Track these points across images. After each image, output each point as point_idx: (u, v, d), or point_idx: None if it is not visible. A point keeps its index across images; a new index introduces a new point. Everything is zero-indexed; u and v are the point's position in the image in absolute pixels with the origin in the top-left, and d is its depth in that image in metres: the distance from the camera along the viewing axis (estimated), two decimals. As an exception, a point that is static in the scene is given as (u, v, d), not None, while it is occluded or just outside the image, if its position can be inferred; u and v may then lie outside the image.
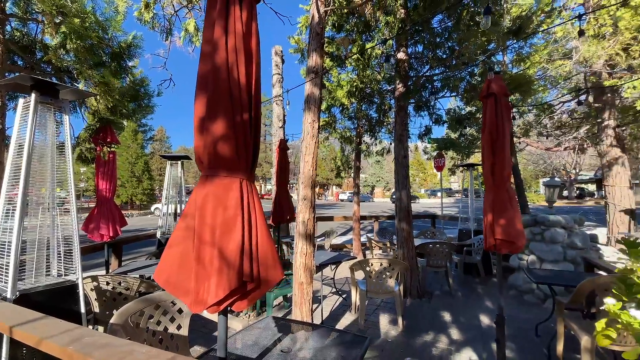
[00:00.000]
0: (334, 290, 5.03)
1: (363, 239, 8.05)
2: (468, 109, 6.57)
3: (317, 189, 55.61)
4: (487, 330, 3.69)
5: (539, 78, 7.67)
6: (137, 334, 2.15)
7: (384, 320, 4.02)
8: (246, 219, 1.18)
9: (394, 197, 4.96)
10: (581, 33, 3.01)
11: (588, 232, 7.69)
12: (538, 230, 4.72)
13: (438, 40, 4.94)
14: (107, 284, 3.01)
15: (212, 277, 1.18)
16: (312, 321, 3.11)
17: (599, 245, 5.94)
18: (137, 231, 13.12)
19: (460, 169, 8.31)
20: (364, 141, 7.61)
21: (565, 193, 34.68)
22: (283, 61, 6.37)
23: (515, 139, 9.04)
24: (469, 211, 6.79)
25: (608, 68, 6.98)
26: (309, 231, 2.97)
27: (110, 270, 4.49)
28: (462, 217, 7.26)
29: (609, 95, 7.33)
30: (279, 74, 6.25)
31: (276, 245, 5.32)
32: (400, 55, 4.95)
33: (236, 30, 1.27)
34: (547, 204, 5.18)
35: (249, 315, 4.08)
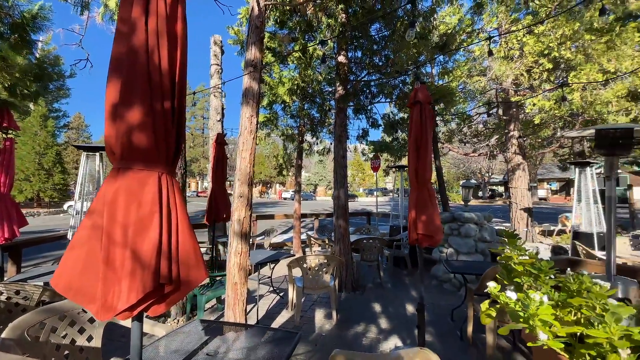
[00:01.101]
0: (272, 289, 4.99)
1: (303, 236, 8.13)
2: (401, 114, 7.09)
3: (260, 187, 54.42)
4: (411, 317, 4.02)
5: (460, 91, 8.64)
6: (37, 349, 1.88)
7: (319, 315, 4.12)
8: (165, 216, 1.10)
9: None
10: (490, 53, 3.50)
11: (496, 228, 8.84)
12: (455, 226, 5.31)
13: (375, 47, 5.22)
14: (0, 293, 2.55)
15: (124, 280, 1.07)
16: (246, 322, 3.04)
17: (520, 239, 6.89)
18: (45, 232, 11.30)
19: (393, 170, 8.92)
20: (306, 140, 7.68)
21: (480, 193, 39.62)
22: (222, 52, 6.07)
23: (440, 144, 10.03)
24: (399, 209, 7.33)
25: (514, 86, 8.16)
26: (244, 230, 2.90)
27: (5, 278, 3.80)
28: (393, 215, 7.80)
29: (514, 109, 8.58)
30: (218, 64, 5.94)
31: (211, 246, 5.07)
32: (341, 58, 5.11)
33: (158, 12, 1.17)
34: (463, 203, 5.85)
35: (178, 320, 3.82)
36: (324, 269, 3.89)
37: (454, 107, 8.13)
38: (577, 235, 6.65)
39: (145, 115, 1.08)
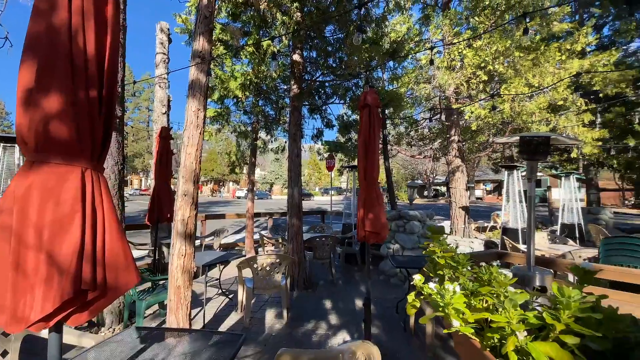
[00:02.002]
0: (220, 291, 4.82)
1: (256, 236, 7.98)
2: (355, 116, 7.31)
3: (212, 186, 52.07)
4: (360, 312, 4.16)
5: (408, 96, 9.17)
6: None
7: (270, 315, 4.08)
8: (89, 215, 1.00)
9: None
10: (431, 62, 3.79)
11: (438, 224, 9.44)
12: (401, 223, 5.62)
13: (330, 49, 5.31)
14: None
15: (37, 287, 0.96)
16: (191, 327, 2.90)
17: (444, 235, 7.47)
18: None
19: (347, 169, 9.17)
20: (260, 137, 7.53)
21: (425, 193, 42.43)
22: (170, 40, 5.68)
23: (389, 146, 10.54)
24: (351, 207, 7.55)
25: (455, 94, 8.87)
26: (189, 230, 2.75)
27: None
28: (346, 213, 8.02)
29: (455, 116, 9.32)
30: (164, 53, 5.54)
31: (153, 247, 4.74)
32: (296, 57, 5.10)
33: (84, -10, 1.06)
34: (415, 201, 6.21)
35: (114, 329, 3.51)
36: (276, 269, 3.86)
37: (403, 112, 8.60)
38: (505, 230, 7.45)
39: (65, 102, 0.97)
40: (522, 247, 6.19)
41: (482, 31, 7.70)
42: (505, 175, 7.83)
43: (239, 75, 4.74)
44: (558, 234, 8.76)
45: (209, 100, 5.88)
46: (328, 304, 4.49)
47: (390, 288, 5.18)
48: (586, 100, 8.97)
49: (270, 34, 4.98)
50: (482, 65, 7.42)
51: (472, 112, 8.11)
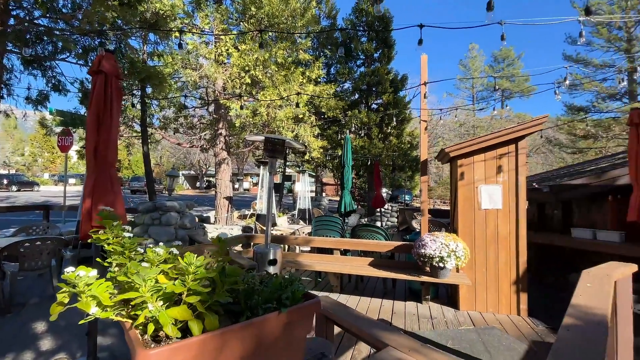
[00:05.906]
0: None
1: None
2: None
3: None
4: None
5: (176, 79, 8.58)
6: None
7: None
8: None
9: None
10: (180, 46, 3.75)
11: (205, 215, 9.52)
12: (157, 215, 5.18)
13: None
14: None
15: None
16: None
17: (206, 225, 7.64)
18: None
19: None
20: None
21: (197, 184, 41.75)
22: None
23: (152, 130, 9.47)
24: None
25: (223, 90, 9.24)
26: None
27: None
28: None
29: (223, 110, 9.72)
30: None
31: None
32: (-9, -25, 3.43)
33: None
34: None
35: None
36: None
37: (168, 94, 7.93)
38: (258, 216, 8.65)
39: None
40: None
41: (249, 37, 8.47)
42: (261, 169, 9.08)
43: None
44: (296, 216, 11.25)
45: None
46: (41, 325, 3.39)
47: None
48: (317, 117, 12.04)
49: None
50: (247, 68, 8.17)
51: (236, 110, 8.75)
